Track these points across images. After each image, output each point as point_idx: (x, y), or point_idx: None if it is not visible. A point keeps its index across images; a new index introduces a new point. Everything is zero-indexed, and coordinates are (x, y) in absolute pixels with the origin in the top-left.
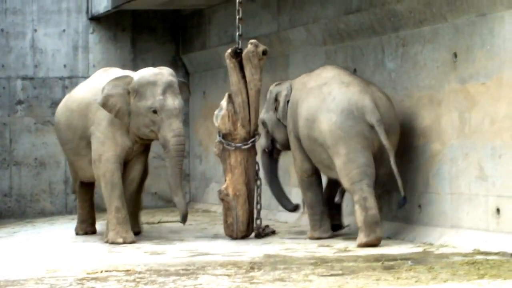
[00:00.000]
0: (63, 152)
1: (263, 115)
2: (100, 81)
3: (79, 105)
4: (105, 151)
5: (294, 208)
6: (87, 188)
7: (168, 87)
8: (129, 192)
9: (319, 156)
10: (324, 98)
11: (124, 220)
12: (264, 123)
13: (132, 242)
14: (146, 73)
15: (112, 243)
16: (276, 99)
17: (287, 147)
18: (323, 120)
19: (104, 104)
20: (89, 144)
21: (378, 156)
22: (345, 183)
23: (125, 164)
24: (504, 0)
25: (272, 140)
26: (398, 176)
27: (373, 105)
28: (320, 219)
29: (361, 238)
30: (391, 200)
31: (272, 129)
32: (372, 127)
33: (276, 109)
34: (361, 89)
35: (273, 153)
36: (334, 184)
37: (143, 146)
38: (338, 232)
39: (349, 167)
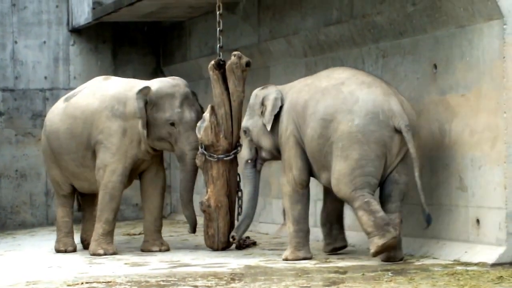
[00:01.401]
0: (55, 162)
1: (246, 122)
2: (106, 89)
3: (83, 112)
4: (113, 162)
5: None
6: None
7: (185, 99)
8: (152, 210)
9: (323, 158)
10: (344, 98)
11: (110, 233)
12: (246, 131)
13: (114, 253)
14: (164, 84)
15: (93, 254)
16: (262, 103)
17: (273, 156)
18: (344, 121)
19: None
20: (95, 154)
21: (399, 164)
22: (345, 189)
23: (141, 178)
24: (483, 12)
25: (256, 150)
26: (421, 191)
27: (401, 108)
28: (306, 236)
29: (376, 241)
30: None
31: (258, 137)
32: (397, 132)
33: (262, 113)
34: (384, 91)
35: (256, 164)
36: (333, 199)
37: (154, 157)
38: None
39: (355, 173)
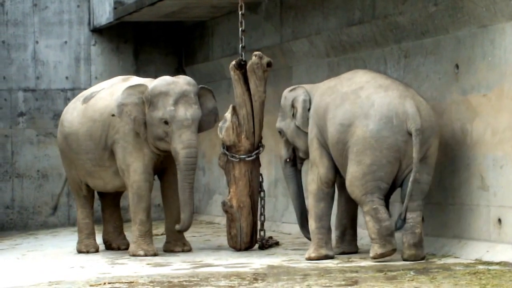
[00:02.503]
0: (72, 162)
1: (279, 123)
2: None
3: (102, 115)
4: (133, 161)
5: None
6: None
7: (181, 97)
8: (173, 210)
9: (344, 162)
10: (362, 103)
11: (147, 233)
12: (281, 132)
13: (154, 255)
14: (160, 82)
15: (133, 255)
16: (292, 106)
17: (308, 155)
18: (359, 126)
19: (119, 113)
20: (112, 154)
21: (420, 163)
22: (357, 193)
23: (160, 179)
24: (505, 12)
25: (293, 149)
26: (408, 196)
27: (415, 110)
28: (328, 233)
29: (376, 249)
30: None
31: (292, 137)
32: (410, 134)
33: (293, 115)
34: (400, 93)
35: (296, 163)
36: (347, 203)
37: (168, 158)
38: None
39: (367, 178)
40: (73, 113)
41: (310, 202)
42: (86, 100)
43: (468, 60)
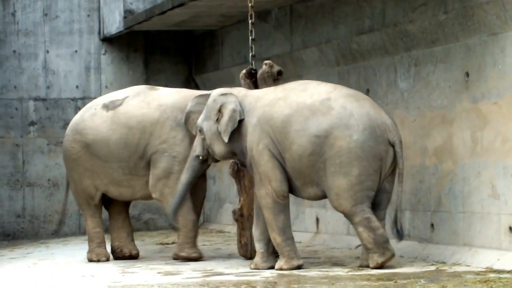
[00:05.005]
0: (90, 170)
1: (202, 121)
2: (163, 99)
3: (140, 123)
4: (179, 171)
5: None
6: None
7: None
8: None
9: (314, 174)
10: (339, 114)
11: (193, 238)
12: (201, 130)
13: (199, 258)
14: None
15: (187, 259)
16: (220, 110)
17: (224, 159)
18: (341, 136)
19: (186, 121)
20: (148, 164)
21: (389, 174)
22: (345, 204)
23: None
24: None
25: (208, 150)
26: (400, 206)
27: (393, 122)
28: (293, 243)
29: (376, 258)
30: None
31: (211, 140)
32: (391, 145)
33: (218, 120)
34: (371, 104)
35: (207, 162)
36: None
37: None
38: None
39: (356, 188)
40: (95, 120)
41: (267, 216)
42: (110, 107)
43: (479, 68)
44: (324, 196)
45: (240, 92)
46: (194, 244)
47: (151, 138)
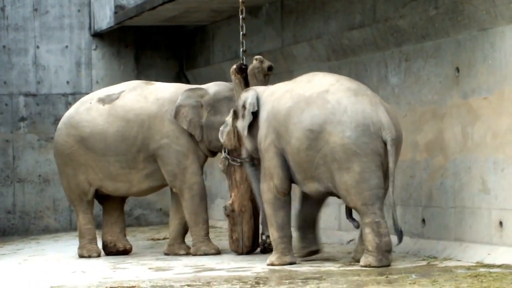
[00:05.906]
0: (84, 165)
1: (237, 123)
2: (160, 93)
3: (138, 116)
4: (190, 164)
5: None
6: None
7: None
8: (181, 213)
9: (314, 169)
10: (333, 108)
11: (208, 232)
12: (238, 132)
13: (217, 253)
14: (223, 88)
15: (205, 254)
16: (243, 106)
17: (256, 156)
18: (334, 132)
19: (176, 114)
20: (148, 157)
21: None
22: (355, 201)
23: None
24: (505, 15)
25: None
26: (395, 206)
27: (389, 120)
28: (290, 242)
29: (370, 261)
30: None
31: (243, 138)
32: (385, 143)
33: (243, 116)
34: (370, 100)
35: (253, 161)
36: (311, 204)
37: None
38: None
39: (362, 186)
40: (91, 113)
41: (268, 211)
42: (107, 101)
43: (469, 63)
44: (327, 193)
45: (260, 87)
46: (209, 241)
47: (150, 132)
